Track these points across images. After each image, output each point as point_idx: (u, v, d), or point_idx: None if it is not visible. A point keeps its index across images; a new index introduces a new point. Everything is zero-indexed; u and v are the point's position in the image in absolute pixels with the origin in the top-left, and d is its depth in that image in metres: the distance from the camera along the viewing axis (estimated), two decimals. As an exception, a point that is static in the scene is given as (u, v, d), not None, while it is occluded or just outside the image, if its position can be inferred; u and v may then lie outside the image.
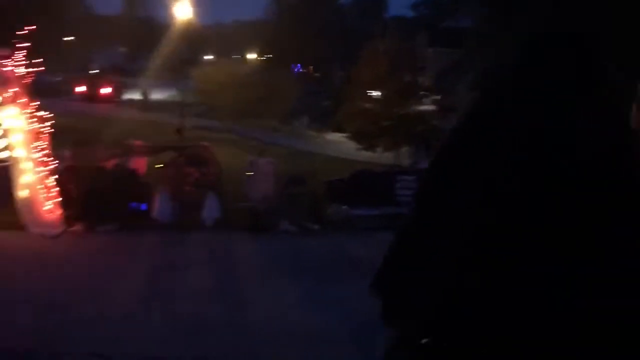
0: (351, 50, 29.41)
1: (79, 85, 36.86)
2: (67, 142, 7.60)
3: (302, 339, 3.82)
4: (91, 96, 34.98)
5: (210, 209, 6.91)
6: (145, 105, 33.74)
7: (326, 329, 4.10)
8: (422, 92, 25.07)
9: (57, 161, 6.90)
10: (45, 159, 6.58)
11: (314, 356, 3.77)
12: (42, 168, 6.51)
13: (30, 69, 6.68)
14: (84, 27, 60.35)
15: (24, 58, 6.60)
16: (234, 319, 4.39)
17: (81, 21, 57.74)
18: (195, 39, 45.37)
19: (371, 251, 6.36)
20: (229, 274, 5.50)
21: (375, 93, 24.85)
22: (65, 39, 54.46)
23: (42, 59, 7.14)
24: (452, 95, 24.24)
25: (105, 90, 36.18)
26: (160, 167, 7.69)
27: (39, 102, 6.70)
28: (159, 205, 6.85)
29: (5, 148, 6.74)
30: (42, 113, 6.69)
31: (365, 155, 22.64)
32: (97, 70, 42.43)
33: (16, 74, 6.53)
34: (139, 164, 8.23)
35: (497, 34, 16.92)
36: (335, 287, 4.94)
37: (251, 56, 56.89)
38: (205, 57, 50.06)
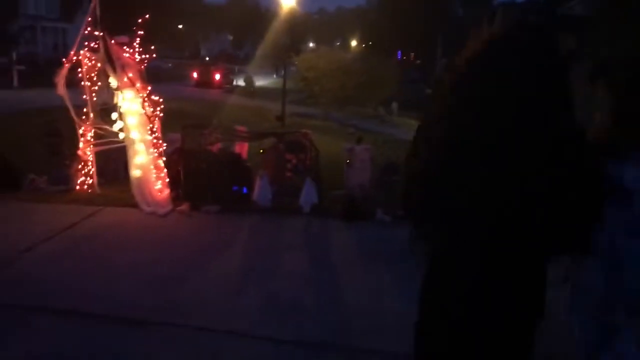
0: (455, 37, 28.54)
1: (193, 71, 38.59)
2: (176, 126, 7.98)
3: (395, 324, 3.80)
4: (203, 83, 36.45)
5: (308, 195, 7.00)
6: (249, 92, 34.91)
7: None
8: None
9: (166, 144, 7.31)
10: (156, 141, 6.97)
11: (406, 340, 3.73)
12: (153, 150, 6.90)
13: (145, 55, 7.09)
14: (194, 15, 63.31)
15: (140, 45, 7.02)
16: (329, 302, 4.46)
17: (192, 10, 60.66)
18: (299, 26, 46.17)
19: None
20: (324, 258, 5.56)
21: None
22: (178, 26, 57.33)
23: (155, 46, 7.57)
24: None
25: (216, 77, 37.96)
26: (261, 152, 7.92)
27: (151, 87, 7.09)
28: (259, 190, 7.04)
29: (121, 130, 7.24)
30: (155, 97, 7.09)
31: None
32: (208, 58, 44.28)
33: (134, 60, 6.96)
34: (242, 148, 8.51)
35: (613, 24, 15.72)
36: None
37: (353, 43, 56.95)
38: (309, 45, 50.73)
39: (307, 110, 28.48)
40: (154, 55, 7.21)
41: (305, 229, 6.60)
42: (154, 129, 6.93)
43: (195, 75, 38.02)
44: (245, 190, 7.25)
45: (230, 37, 77.89)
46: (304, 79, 28.43)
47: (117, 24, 7.17)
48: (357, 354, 3.69)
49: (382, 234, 6.31)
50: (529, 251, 1.93)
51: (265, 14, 57.63)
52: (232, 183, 7.21)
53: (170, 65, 48.86)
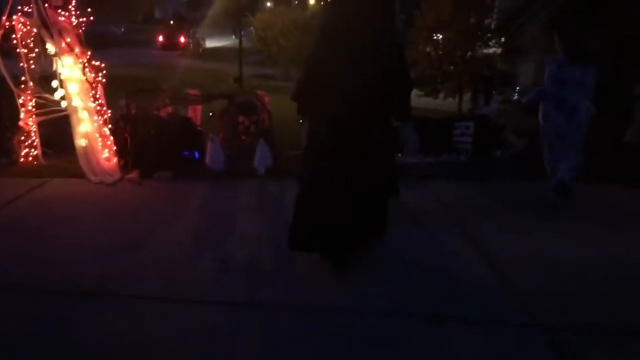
0: (413, -7, 28.17)
1: (158, 35, 38.62)
2: (124, 92, 7.72)
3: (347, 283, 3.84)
4: (169, 46, 36.63)
5: (261, 157, 6.89)
6: (198, 54, 34.46)
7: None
8: (488, 35, 23.82)
9: (112, 110, 7.06)
10: (100, 108, 6.72)
11: (358, 295, 3.78)
12: (98, 117, 6.65)
13: (83, 19, 6.75)
14: (146, -24, 60.53)
15: (76, 8, 6.67)
16: (284, 262, 4.43)
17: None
18: (254, -16, 44.93)
19: (423, 199, 6.23)
20: (279, 219, 5.49)
21: (439, 36, 23.84)
22: (129, -11, 54.95)
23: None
24: (519, 37, 22.97)
25: (181, 40, 38.30)
26: (211, 115, 7.74)
27: (104, 52, 6.79)
28: (211, 154, 6.89)
29: (63, 98, 6.94)
30: (96, 62, 6.80)
31: (426, 101, 22.03)
32: (172, 22, 43.97)
33: (70, 24, 6.63)
34: (195, 112, 8.32)
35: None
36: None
37: (311, 1, 55.79)
38: (267, 4, 49.47)
39: (266, 71, 28.03)
40: (92, 18, 6.84)
41: (259, 191, 6.52)
42: (97, 96, 6.67)
43: (160, 38, 38.08)
44: (197, 155, 7.10)
45: (185, -2, 75.39)
46: (261, 39, 27.89)
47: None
48: (311, 313, 3.68)
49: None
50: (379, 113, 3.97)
51: (220, -27, 55.72)
52: (182, 148, 7.05)
53: (122, 29, 47.20)
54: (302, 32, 25.58)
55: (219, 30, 47.24)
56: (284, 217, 5.57)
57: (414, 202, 6.14)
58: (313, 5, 49.80)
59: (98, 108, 6.70)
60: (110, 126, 6.85)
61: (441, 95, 22.34)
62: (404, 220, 5.37)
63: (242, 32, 25.53)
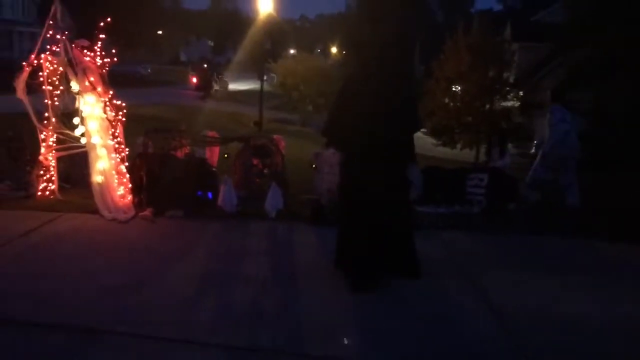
0: (434, 45, 28.74)
1: (192, 77, 40.45)
2: (148, 131, 7.90)
3: (349, 331, 3.85)
4: (202, 87, 37.81)
5: (273, 200, 6.93)
6: (224, 94, 35.45)
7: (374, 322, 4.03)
8: (507, 88, 24.04)
9: (128, 149, 7.20)
10: (118, 146, 6.86)
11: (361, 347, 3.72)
12: (115, 155, 6.79)
13: (108, 59, 6.98)
14: (174, 21, 62.97)
15: (102, 48, 6.91)
16: (286, 308, 4.41)
17: (172, 15, 60.30)
18: (278, 32, 46.11)
19: (433, 250, 6.17)
20: (286, 264, 5.49)
21: (457, 88, 24.12)
22: (157, 32, 57.05)
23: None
24: (538, 91, 23.11)
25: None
26: (225, 157, 7.85)
27: (115, 91, 6.99)
28: (224, 195, 6.95)
29: (83, 135, 7.11)
30: (117, 102, 6.99)
31: (443, 151, 22.09)
32: (206, 65, 45.88)
33: (95, 64, 6.85)
34: (212, 153, 8.45)
35: (590, 31, 15.90)
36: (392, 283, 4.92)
37: (333, 50, 57.00)
38: (291, 51, 50.86)
39: (286, 116, 28.45)
40: (116, 59, 7.07)
41: (269, 234, 6.53)
42: (116, 134, 6.82)
43: (195, 80, 39.64)
44: (210, 195, 7.16)
45: (211, 43, 77.67)
46: (282, 85, 28.44)
47: (89, 28, 7.02)
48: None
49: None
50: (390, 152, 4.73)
51: (245, 20, 57.55)
52: (196, 188, 7.12)
53: (149, 70, 48.63)
54: (323, 80, 26.10)
55: (244, 74, 48.45)
56: (290, 260, 5.61)
57: (424, 252, 6.07)
58: (335, 54, 50.85)
59: (116, 146, 6.84)
60: (127, 164, 6.97)
61: (458, 145, 22.41)
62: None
63: (265, 77, 26.10)
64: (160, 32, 57.41)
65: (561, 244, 6.64)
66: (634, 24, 12.78)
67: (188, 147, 7.92)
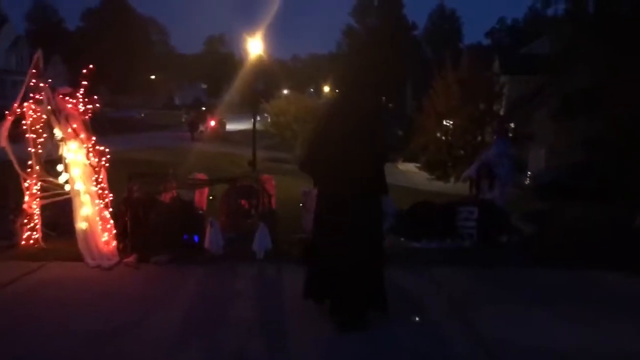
0: (425, 80, 29.13)
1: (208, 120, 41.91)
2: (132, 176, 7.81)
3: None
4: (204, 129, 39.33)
5: (261, 241, 6.84)
6: (221, 133, 36.25)
7: None
8: (497, 121, 24.18)
9: (114, 194, 7.12)
10: (102, 191, 6.79)
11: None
12: (99, 201, 6.71)
13: (90, 105, 6.97)
14: (168, 66, 63.92)
15: (84, 95, 6.91)
16: (274, 353, 4.30)
17: (165, 60, 61.22)
18: (269, 73, 46.88)
19: (424, 286, 6.05)
20: (273, 306, 5.37)
21: (449, 122, 24.29)
22: (151, 77, 57.86)
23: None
24: (528, 123, 23.28)
25: (212, 124, 41.56)
26: (211, 199, 7.78)
27: (110, 136, 6.94)
28: (210, 237, 6.86)
29: (67, 181, 7.04)
30: (100, 147, 6.95)
31: (437, 185, 22.07)
32: (204, 108, 47.16)
33: (77, 111, 6.84)
34: (202, 196, 8.38)
35: (577, 62, 16.15)
36: (381, 321, 4.83)
37: (326, 89, 57.72)
38: (284, 91, 51.63)
39: (280, 155, 28.52)
40: (98, 105, 7.06)
41: (256, 275, 6.42)
42: (100, 180, 6.75)
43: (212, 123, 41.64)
44: (196, 238, 7.06)
45: (204, 86, 78.64)
46: (275, 124, 28.64)
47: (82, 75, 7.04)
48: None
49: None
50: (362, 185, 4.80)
51: (239, 62, 58.50)
52: (182, 232, 7.03)
53: (142, 115, 49.05)
54: (314, 119, 26.29)
55: (239, 115, 49.01)
56: (278, 303, 5.47)
57: (415, 288, 5.99)
58: (327, 93, 51.44)
59: (100, 192, 6.77)
60: (111, 209, 6.88)
61: (452, 179, 22.41)
62: (404, 306, 5.21)
63: (258, 117, 26.28)
64: (153, 77, 58.24)
65: (551, 276, 6.55)
66: (614, 55, 12.97)
67: (175, 191, 7.85)
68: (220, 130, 42.28)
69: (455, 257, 7.31)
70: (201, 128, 39.19)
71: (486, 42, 61.92)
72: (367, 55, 45.59)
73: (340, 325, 4.69)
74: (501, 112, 24.15)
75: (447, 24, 66.21)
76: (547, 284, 6.26)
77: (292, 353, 4.33)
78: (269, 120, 30.11)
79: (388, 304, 4.95)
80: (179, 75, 72.20)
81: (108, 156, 7.00)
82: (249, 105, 37.08)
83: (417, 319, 4.92)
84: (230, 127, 44.95)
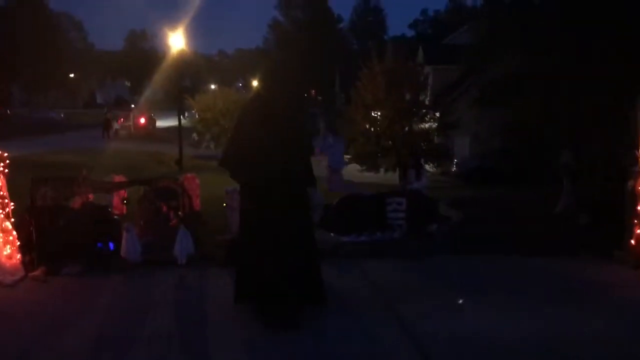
0: (352, 72, 29.16)
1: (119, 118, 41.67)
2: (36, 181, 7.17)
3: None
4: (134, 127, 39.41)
5: (182, 245, 6.45)
6: (115, 135, 36.26)
7: None
8: (423, 110, 24.55)
9: (13, 203, 6.48)
10: (1, 200, 6.17)
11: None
12: (-2, 211, 6.10)
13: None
14: (86, 63, 61.22)
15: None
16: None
17: (83, 58, 58.56)
18: (195, 68, 45.83)
19: (353, 281, 5.89)
20: (193, 315, 5.03)
21: (377, 113, 24.39)
22: (69, 75, 55.22)
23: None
24: (452, 112, 23.79)
25: (141, 121, 41.39)
26: (125, 203, 7.29)
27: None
28: (127, 244, 6.39)
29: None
30: (-3, 152, 6.30)
31: (369, 176, 22.15)
32: (133, 105, 46.45)
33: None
34: (118, 200, 7.87)
35: (498, 50, 16.49)
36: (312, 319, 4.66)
37: (254, 83, 57.10)
38: (212, 86, 50.73)
39: (209, 152, 27.81)
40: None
41: (177, 282, 6.03)
42: (-2, 188, 6.13)
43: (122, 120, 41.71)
44: (111, 246, 6.57)
45: (128, 83, 75.83)
46: (203, 120, 27.89)
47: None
48: None
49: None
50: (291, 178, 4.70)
51: (162, 59, 56.88)
52: (96, 239, 6.52)
53: (62, 115, 46.61)
54: (237, 114, 25.80)
55: (166, 111, 47.67)
56: (200, 310, 5.14)
57: (344, 284, 5.82)
58: (255, 88, 50.90)
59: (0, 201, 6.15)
60: (13, 220, 6.27)
61: (382, 169, 22.57)
62: (332, 304, 5.01)
63: (187, 114, 25.47)
64: (72, 75, 55.44)
65: (480, 263, 6.56)
66: (528, 48, 13.33)
67: (91, 195, 7.29)
68: (150, 128, 41.31)
69: (386, 249, 7.20)
70: (116, 126, 38.20)
71: (410, 33, 63.02)
72: (289, 49, 45.44)
73: (270, 326, 4.48)
74: (427, 102, 24.52)
75: (371, 16, 66.93)
76: (478, 272, 6.25)
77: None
78: (197, 116, 29.32)
79: (327, 297, 4.88)
80: (101, 72, 69.29)
81: (7, 161, 6.34)
82: (174, 101, 36.11)
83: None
84: (159, 124, 43.88)
